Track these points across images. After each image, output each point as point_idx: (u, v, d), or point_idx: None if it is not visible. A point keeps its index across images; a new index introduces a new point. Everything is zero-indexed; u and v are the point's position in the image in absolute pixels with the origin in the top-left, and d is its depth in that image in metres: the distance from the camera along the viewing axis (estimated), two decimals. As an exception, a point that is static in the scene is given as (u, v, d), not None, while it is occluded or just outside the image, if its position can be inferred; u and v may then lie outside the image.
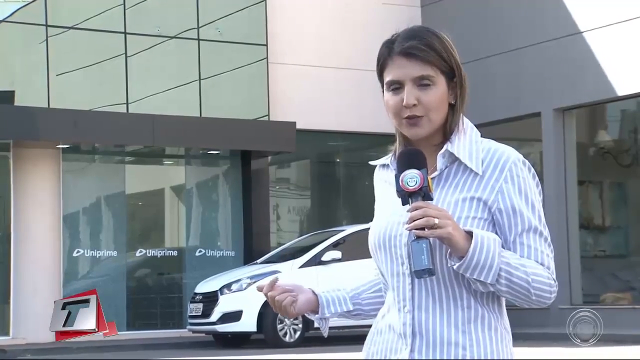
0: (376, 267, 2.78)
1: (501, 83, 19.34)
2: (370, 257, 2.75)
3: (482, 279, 2.51)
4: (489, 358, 2.58)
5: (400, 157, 2.57)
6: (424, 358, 2.57)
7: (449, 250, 2.51)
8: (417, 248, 2.46)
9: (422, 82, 2.60)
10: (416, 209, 2.47)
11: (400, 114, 2.61)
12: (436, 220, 2.45)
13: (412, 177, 2.49)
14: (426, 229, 2.45)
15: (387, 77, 2.64)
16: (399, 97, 2.61)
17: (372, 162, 2.82)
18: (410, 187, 2.49)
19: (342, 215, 21.05)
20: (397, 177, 2.52)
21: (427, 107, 2.59)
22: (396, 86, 2.62)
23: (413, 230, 2.46)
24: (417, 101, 2.59)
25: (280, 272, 16.46)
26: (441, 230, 2.45)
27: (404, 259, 2.60)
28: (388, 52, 2.65)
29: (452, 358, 2.55)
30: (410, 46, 2.60)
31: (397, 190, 2.51)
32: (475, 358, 2.56)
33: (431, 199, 2.51)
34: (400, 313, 2.61)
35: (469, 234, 2.50)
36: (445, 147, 2.62)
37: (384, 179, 2.75)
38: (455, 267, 2.52)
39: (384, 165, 2.76)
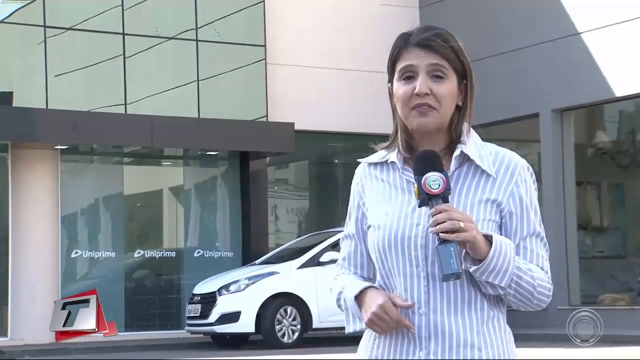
0: (365, 268, 2.76)
1: (499, 84, 19.32)
2: None
3: (496, 282, 2.53)
4: (502, 358, 2.60)
5: (419, 160, 2.56)
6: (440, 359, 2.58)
7: (463, 252, 2.52)
8: (445, 252, 2.45)
9: (435, 74, 2.60)
10: (439, 212, 2.47)
11: (409, 102, 2.60)
12: (461, 224, 2.45)
13: (434, 180, 2.49)
14: (450, 232, 2.45)
15: (401, 64, 2.63)
16: (411, 86, 2.60)
17: (360, 160, 2.79)
18: (434, 190, 2.49)
19: (341, 216, 21.02)
20: (418, 180, 2.51)
21: (439, 98, 2.59)
22: (409, 75, 2.61)
23: (440, 234, 2.46)
24: (429, 91, 2.58)
25: (278, 272, 16.48)
26: (466, 233, 2.46)
27: (420, 260, 2.59)
28: (404, 43, 2.65)
29: (469, 359, 2.56)
30: (428, 38, 2.61)
31: (419, 192, 2.51)
32: (490, 358, 2.58)
33: (447, 202, 2.51)
34: (414, 316, 2.60)
35: (486, 238, 2.52)
36: (460, 148, 2.63)
37: (379, 177, 2.72)
38: (471, 270, 2.53)
39: (380, 163, 2.73)
